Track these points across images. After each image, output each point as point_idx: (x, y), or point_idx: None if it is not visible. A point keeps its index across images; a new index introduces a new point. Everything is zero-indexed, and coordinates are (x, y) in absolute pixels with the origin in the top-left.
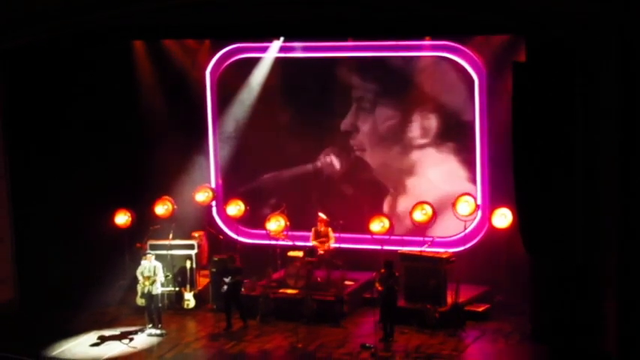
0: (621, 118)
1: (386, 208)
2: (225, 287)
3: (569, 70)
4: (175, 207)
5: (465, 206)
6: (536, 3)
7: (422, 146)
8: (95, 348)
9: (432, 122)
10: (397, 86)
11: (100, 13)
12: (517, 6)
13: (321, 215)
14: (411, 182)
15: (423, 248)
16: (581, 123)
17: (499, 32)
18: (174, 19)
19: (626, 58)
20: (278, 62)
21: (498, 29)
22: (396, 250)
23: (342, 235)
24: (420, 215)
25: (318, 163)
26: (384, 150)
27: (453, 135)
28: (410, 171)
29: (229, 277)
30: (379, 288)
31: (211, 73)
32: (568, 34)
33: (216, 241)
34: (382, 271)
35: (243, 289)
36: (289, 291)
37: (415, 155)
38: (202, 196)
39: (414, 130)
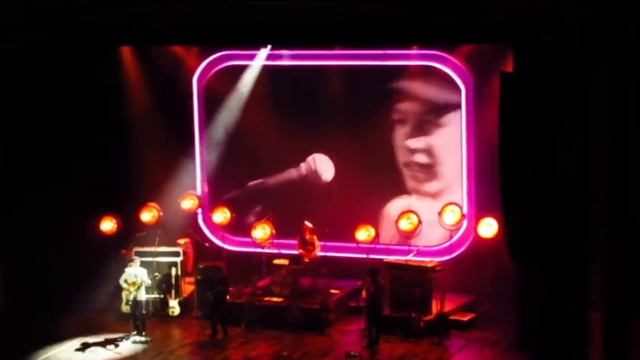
0: (610, 125)
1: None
2: (210, 297)
3: (557, 78)
4: (161, 214)
5: (451, 215)
6: (526, 9)
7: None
8: (80, 354)
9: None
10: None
11: (88, 18)
12: (507, 11)
13: (307, 223)
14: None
15: (408, 257)
16: (569, 131)
17: (488, 39)
18: (161, 26)
19: (616, 65)
20: (265, 70)
21: (487, 36)
22: (382, 259)
23: (328, 243)
24: (406, 224)
25: (304, 171)
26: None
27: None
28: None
29: (214, 287)
30: (364, 295)
31: (199, 79)
32: (557, 41)
33: (201, 249)
34: (367, 279)
35: (228, 297)
36: (275, 299)
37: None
38: (188, 203)
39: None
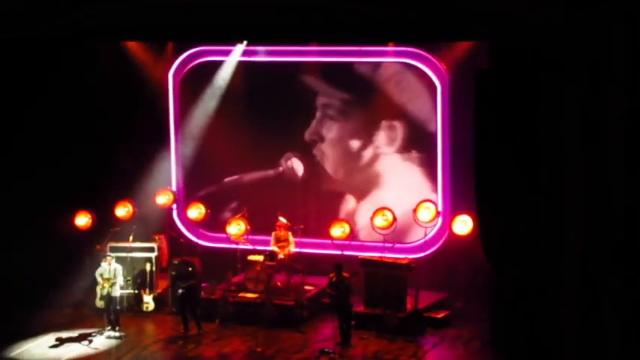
0: (584, 125)
1: (345, 215)
2: (180, 291)
3: (532, 78)
4: (136, 209)
5: (426, 212)
6: (501, 10)
7: (387, 155)
8: (54, 349)
9: (398, 130)
10: (363, 94)
11: (63, 15)
12: (482, 12)
13: (282, 219)
14: (374, 190)
15: (383, 254)
16: (544, 131)
17: (463, 38)
18: (136, 21)
19: (590, 66)
20: (241, 66)
21: (463, 35)
22: (357, 256)
23: (303, 239)
24: (381, 221)
25: (280, 168)
26: (348, 160)
27: (418, 143)
28: (374, 179)
29: (184, 282)
30: (329, 291)
31: (174, 75)
32: (532, 42)
33: (176, 244)
34: (331, 275)
35: (202, 293)
36: (249, 295)
37: (380, 163)
38: (163, 198)
39: (380, 139)
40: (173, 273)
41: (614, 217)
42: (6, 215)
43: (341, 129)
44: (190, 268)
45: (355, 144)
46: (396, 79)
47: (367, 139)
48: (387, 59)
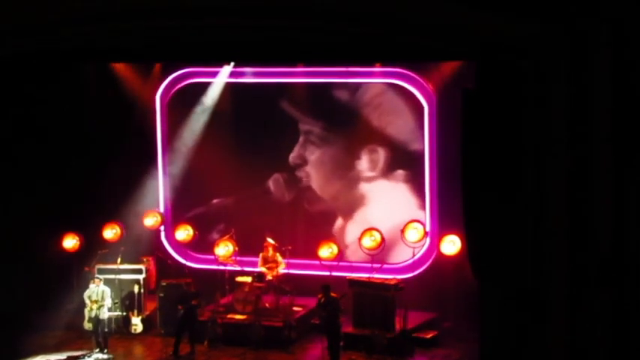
0: (572, 143)
1: (333, 235)
2: (182, 312)
3: (518, 95)
4: (124, 231)
5: (414, 233)
6: (482, 28)
7: (371, 177)
8: None
9: (381, 154)
10: (345, 119)
11: (50, 35)
12: (464, 30)
13: (270, 240)
14: (360, 212)
15: (371, 275)
16: (530, 149)
17: (447, 58)
18: (124, 43)
19: (573, 81)
20: (228, 87)
21: (446, 55)
22: (345, 276)
23: (291, 260)
24: (369, 241)
25: (267, 189)
26: (333, 182)
27: (403, 164)
28: (360, 201)
29: (186, 303)
30: (318, 312)
31: (161, 97)
32: (520, 60)
33: (164, 266)
34: (319, 296)
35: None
36: (237, 316)
37: (365, 185)
38: (151, 220)
39: (363, 163)
40: (161, 295)
41: (601, 233)
42: None
43: (323, 154)
44: (193, 289)
45: (340, 167)
46: (375, 103)
47: (351, 162)
48: (374, 80)
